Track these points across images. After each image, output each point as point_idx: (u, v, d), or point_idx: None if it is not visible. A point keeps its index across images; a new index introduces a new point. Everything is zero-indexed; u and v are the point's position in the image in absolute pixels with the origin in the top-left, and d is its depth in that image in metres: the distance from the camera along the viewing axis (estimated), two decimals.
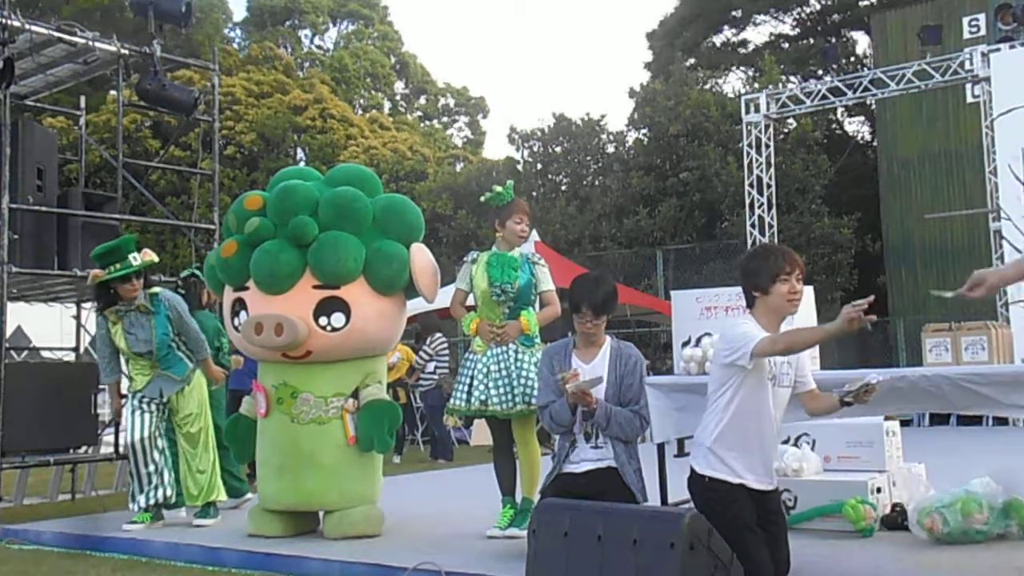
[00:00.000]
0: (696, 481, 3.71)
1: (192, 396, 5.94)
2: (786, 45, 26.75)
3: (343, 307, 5.09)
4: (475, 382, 5.02)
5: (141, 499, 5.84)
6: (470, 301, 5.27)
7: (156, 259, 5.92)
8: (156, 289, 5.93)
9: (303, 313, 5.03)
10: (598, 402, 4.19)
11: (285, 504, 5.33)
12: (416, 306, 14.55)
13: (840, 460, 5.32)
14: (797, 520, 4.91)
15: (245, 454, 5.76)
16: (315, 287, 5.07)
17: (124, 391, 6.07)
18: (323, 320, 5.07)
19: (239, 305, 5.26)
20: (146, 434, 5.83)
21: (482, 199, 5.42)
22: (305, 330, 5.01)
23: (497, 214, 5.23)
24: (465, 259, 5.32)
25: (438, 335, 11.58)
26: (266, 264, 5.05)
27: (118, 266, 5.65)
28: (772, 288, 3.61)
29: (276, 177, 5.57)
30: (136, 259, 5.70)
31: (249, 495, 6.62)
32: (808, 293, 4.42)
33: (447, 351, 12.13)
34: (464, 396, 5.05)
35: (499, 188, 5.23)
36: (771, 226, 14.10)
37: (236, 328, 5.31)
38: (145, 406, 5.86)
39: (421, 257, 5.27)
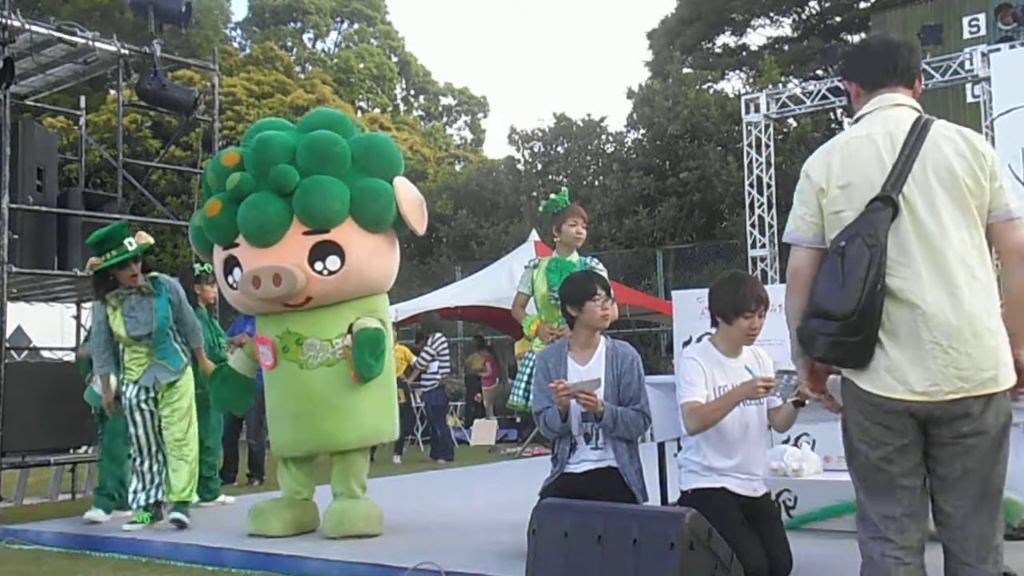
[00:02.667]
0: (683, 497, 4.00)
1: (182, 392, 5.90)
2: (786, 47, 26.72)
3: (336, 249, 5.10)
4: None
5: (142, 496, 5.84)
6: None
7: (152, 241, 5.90)
8: (155, 273, 5.93)
9: (298, 260, 5.05)
10: (604, 405, 4.17)
11: (305, 449, 5.37)
12: (416, 306, 14.47)
13: (840, 460, 5.25)
14: (807, 520, 4.87)
15: (237, 403, 5.69)
16: (305, 233, 5.09)
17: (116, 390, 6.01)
18: (319, 265, 5.09)
19: (231, 262, 5.25)
20: (148, 430, 5.84)
21: (540, 209, 5.66)
22: (303, 277, 5.03)
23: (554, 220, 5.43)
24: (526, 265, 5.53)
25: (438, 335, 11.59)
26: (254, 217, 5.05)
27: (114, 252, 5.64)
28: (735, 322, 3.87)
29: (250, 131, 5.55)
30: (132, 244, 5.69)
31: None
32: None
33: (448, 351, 12.16)
34: (523, 393, 5.12)
35: (554, 196, 5.45)
36: (771, 226, 14.06)
37: (231, 286, 5.30)
38: (144, 405, 5.85)
39: (405, 189, 5.30)
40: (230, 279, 5.29)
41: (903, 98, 2.71)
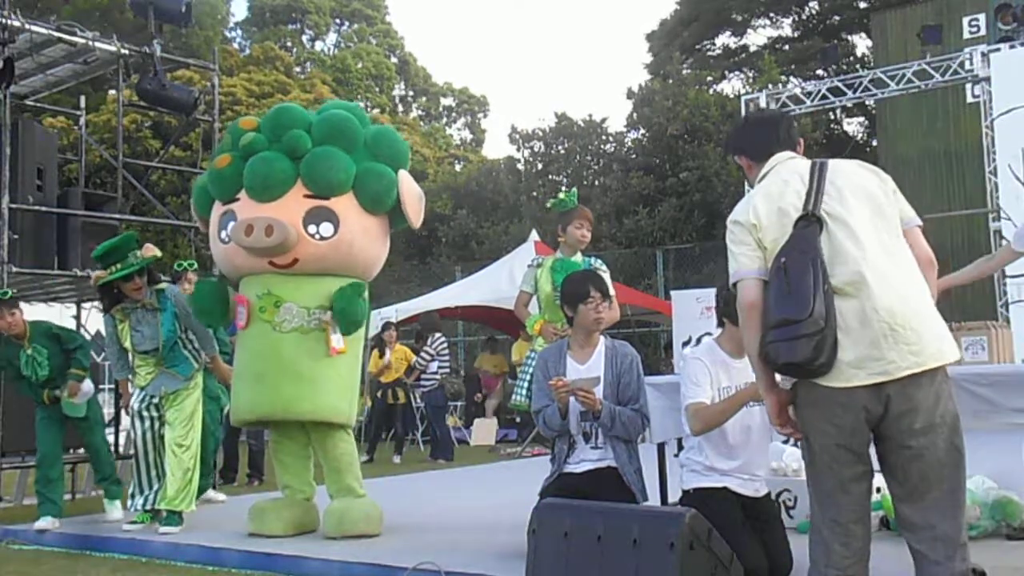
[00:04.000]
0: (685, 497, 3.99)
1: (188, 400, 5.86)
2: (786, 47, 26.71)
3: (332, 217, 5.19)
4: None
5: (139, 501, 5.82)
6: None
7: (159, 254, 5.89)
8: (163, 285, 5.90)
9: (293, 220, 5.13)
10: (603, 404, 4.17)
11: (259, 413, 5.39)
12: (416, 306, 14.43)
13: None
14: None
15: (211, 312, 5.52)
16: (306, 196, 5.18)
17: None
18: (312, 228, 5.17)
19: (228, 217, 5.30)
20: (149, 437, 5.83)
21: (548, 205, 5.62)
22: (294, 234, 5.10)
23: (560, 219, 5.41)
24: (530, 263, 5.52)
25: (438, 335, 11.59)
26: (260, 171, 5.16)
27: (119, 266, 5.63)
28: None
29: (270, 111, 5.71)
30: (138, 256, 5.68)
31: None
32: None
33: (447, 351, 12.15)
34: (526, 392, 5.10)
35: (563, 195, 5.43)
36: None
37: (223, 240, 5.33)
38: (146, 411, 5.84)
39: (408, 182, 5.44)
40: (223, 234, 5.33)
41: (793, 154, 2.96)
